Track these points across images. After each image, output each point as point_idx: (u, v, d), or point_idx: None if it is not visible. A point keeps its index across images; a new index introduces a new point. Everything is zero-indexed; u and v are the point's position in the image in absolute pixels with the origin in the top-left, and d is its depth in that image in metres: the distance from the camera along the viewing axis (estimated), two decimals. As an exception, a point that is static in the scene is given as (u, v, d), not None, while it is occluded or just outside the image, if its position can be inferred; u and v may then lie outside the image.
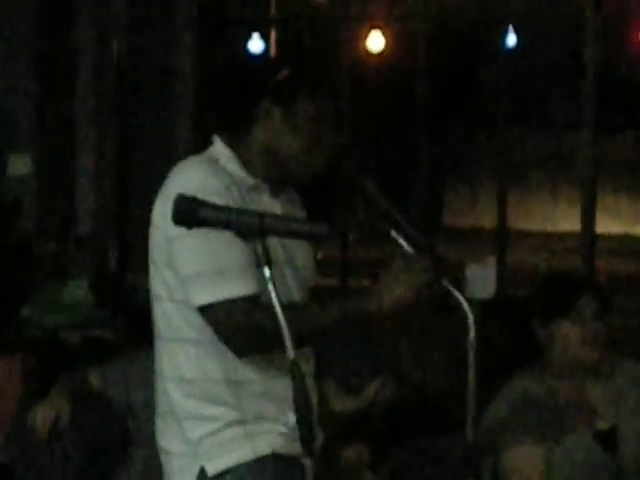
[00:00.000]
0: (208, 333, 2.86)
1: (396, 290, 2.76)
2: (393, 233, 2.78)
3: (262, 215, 2.45)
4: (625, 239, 8.45)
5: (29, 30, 7.18)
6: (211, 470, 2.89)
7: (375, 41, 7.24)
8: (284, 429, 2.92)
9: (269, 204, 2.94)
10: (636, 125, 9.51)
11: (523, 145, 8.10)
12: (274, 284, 2.35)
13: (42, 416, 4.32)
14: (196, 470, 2.92)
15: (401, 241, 2.78)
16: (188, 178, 2.88)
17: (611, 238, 8.13)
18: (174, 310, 2.93)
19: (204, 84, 7.00)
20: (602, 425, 3.81)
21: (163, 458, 3.07)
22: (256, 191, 2.93)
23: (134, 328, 4.95)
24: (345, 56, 6.65)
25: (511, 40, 7.02)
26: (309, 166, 2.93)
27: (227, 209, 2.55)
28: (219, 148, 2.97)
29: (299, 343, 2.58)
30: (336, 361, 4.21)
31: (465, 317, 2.68)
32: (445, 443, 4.28)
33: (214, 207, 2.47)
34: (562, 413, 3.78)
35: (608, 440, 3.83)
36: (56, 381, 4.42)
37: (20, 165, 7.11)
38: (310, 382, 2.91)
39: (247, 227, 2.42)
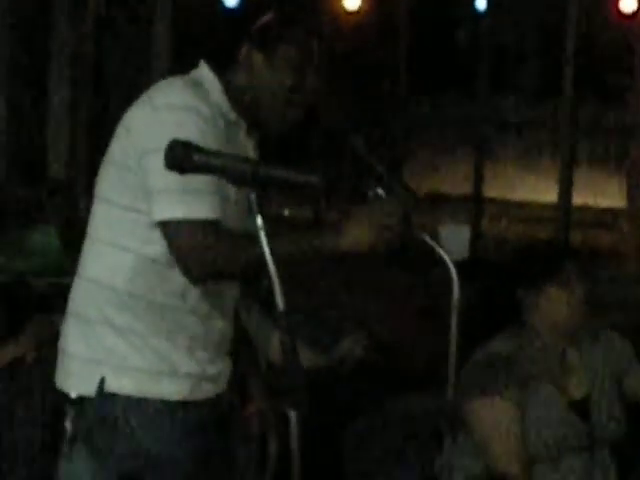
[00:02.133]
0: (151, 249, 2.73)
1: (360, 229, 2.60)
2: (380, 191, 2.61)
3: (257, 163, 2.33)
4: (589, 210, 8.54)
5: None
6: (112, 385, 2.77)
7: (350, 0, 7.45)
8: (196, 368, 2.79)
9: (245, 142, 2.83)
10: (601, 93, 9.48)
11: (496, 111, 8.22)
12: (265, 233, 2.19)
13: (6, 357, 4.17)
14: (96, 379, 2.79)
15: (390, 201, 2.56)
16: (179, 95, 2.72)
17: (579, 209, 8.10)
18: (122, 216, 2.76)
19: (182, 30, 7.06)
20: (575, 393, 3.69)
21: (63, 360, 2.89)
22: (235, 126, 2.82)
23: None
24: (322, 14, 6.70)
25: (481, 4, 6.92)
26: (289, 111, 2.80)
27: (222, 155, 2.38)
28: (205, 73, 2.84)
29: (253, 273, 2.67)
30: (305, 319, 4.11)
31: (448, 272, 2.74)
32: (414, 403, 4.11)
33: (209, 153, 2.31)
34: (538, 378, 3.62)
35: (581, 408, 3.71)
36: (24, 325, 4.27)
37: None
38: (235, 306, 2.89)
39: (241, 175, 2.24)
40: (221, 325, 2.87)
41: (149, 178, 2.63)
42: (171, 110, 2.67)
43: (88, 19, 7.90)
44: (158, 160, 2.52)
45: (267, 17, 2.72)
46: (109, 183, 2.74)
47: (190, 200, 2.65)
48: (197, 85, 2.74)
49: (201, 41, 6.51)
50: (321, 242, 2.64)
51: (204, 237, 2.68)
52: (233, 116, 2.76)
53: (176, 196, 2.64)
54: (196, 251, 2.69)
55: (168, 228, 2.66)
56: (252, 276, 2.86)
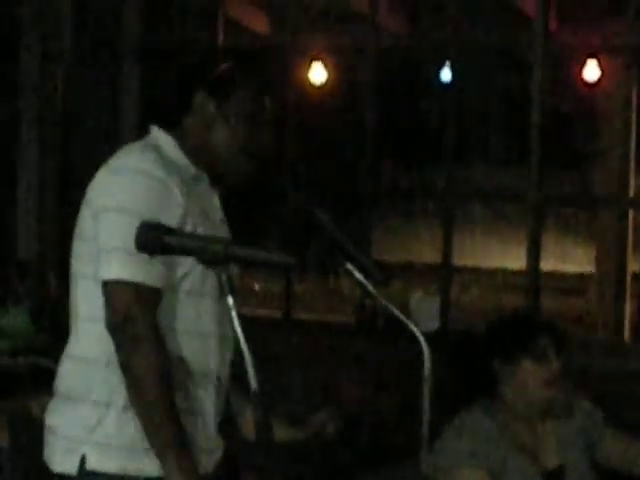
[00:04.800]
0: None
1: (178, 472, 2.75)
2: (349, 266, 2.80)
3: (227, 243, 2.40)
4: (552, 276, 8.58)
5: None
6: (93, 464, 2.86)
7: (316, 73, 7.05)
8: (196, 443, 2.86)
9: (208, 195, 2.94)
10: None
11: (464, 180, 8.27)
12: (237, 313, 2.29)
13: None
14: (78, 457, 2.88)
15: (356, 274, 2.82)
16: (133, 159, 2.82)
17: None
18: (96, 288, 2.83)
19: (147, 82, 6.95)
20: (549, 463, 3.79)
21: (48, 436, 2.99)
22: (198, 180, 2.89)
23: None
24: (288, 90, 6.51)
25: (446, 75, 6.87)
26: (243, 162, 2.91)
27: (192, 236, 2.58)
28: (158, 134, 2.91)
29: (145, 402, 2.77)
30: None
31: (420, 346, 2.70)
32: (386, 476, 4.13)
33: (179, 234, 2.47)
34: (511, 450, 3.75)
35: (555, 479, 3.73)
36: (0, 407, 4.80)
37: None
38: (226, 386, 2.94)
39: (212, 255, 2.38)
40: (209, 402, 2.93)
41: (99, 237, 2.72)
42: (124, 172, 2.76)
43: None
44: (108, 219, 2.68)
45: (223, 67, 2.84)
46: (80, 257, 2.82)
47: (130, 261, 2.72)
48: (153, 148, 2.83)
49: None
50: (168, 453, 2.74)
51: (132, 302, 2.75)
52: (193, 170, 2.82)
53: (119, 256, 2.71)
54: (119, 314, 2.76)
55: (105, 288, 2.73)
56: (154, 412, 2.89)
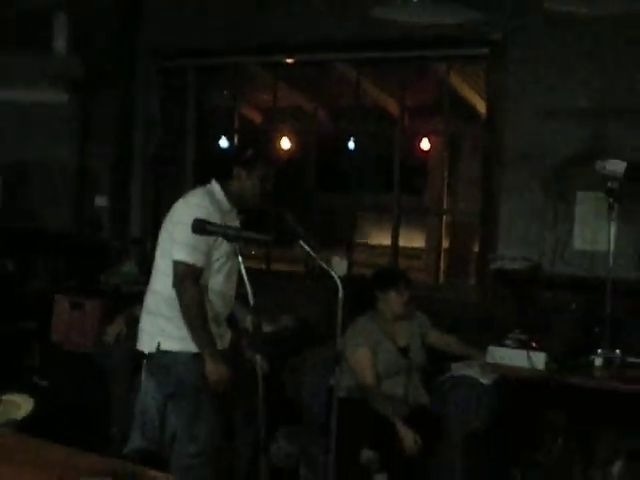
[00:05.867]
0: None
1: (214, 366, 3.95)
2: (301, 242, 3.67)
3: (237, 229, 3.65)
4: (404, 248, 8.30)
5: None
6: (164, 346, 4.00)
7: (285, 143, 9.07)
8: (215, 331, 4.06)
9: (234, 219, 4.12)
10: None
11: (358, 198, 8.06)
12: (241, 265, 3.36)
13: (111, 331, 6.03)
14: (156, 343, 4.04)
15: (305, 246, 3.67)
16: (198, 198, 4.01)
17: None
18: (169, 260, 3.99)
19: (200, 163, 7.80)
20: (401, 343, 5.30)
21: (140, 334, 4.14)
22: (230, 212, 4.11)
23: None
24: (270, 152, 7.41)
25: (351, 145, 8.42)
26: (258, 201, 4.12)
27: (219, 225, 3.63)
28: (215, 186, 4.10)
29: (192, 325, 3.92)
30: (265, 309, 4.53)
31: (335, 283, 3.48)
32: (320, 350, 5.65)
33: (212, 224, 3.58)
34: (382, 337, 5.26)
35: (404, 351, 5.32)
36: (118, 313, 6.13)
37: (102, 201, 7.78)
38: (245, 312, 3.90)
39: (229, 235, 3.56)
40: (227, 307, 4.15)
41: (174, 234, 3.91)
42: (192, 205, 3.98)
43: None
44: (179, 227, 3.86)
45: (249, 154, 4.14)
46: (163, 240, 4.04)
47: (189, 252, 3.89)
48: (210, 192, 4.05)
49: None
50: (206, 350, 3.87)
51: (184, 274, 3.84)
52: (228, 206, 4.03)
53: (182, 247, 3.89)
54: (180, 281, 3.90)
55: (174, 264, 3.90)
56: (195, 330, 3.99)
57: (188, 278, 3.84)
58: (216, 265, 3.98)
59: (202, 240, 3.77)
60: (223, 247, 3.93)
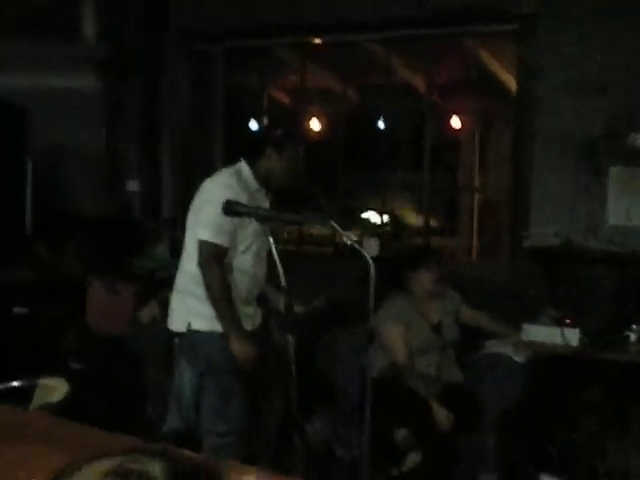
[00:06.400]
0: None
1: (240, 345, 3.89)
2: (332, 222, 3.55)
3: (268, 210, 3.68)
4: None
5: None
6: (194, 326, 4.00)
7: (314, 124, 8.68)
8: (244, 311, 4.01)
9: (263, 199, 4.09)
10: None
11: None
12: (271, 243, 3.38)
13: (145, 314, 6.13)
14: (187, 323, 4.02)
15: (337, 227, 3.53)
16: (226, 178, 3.96)
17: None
18: (196, 240, 3.95)
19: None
20: (434, 321, 5.24)
21: (171, 313, 4.12)
22: (258, 192, 4.06)
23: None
24: (300, 133, 7.13)
25: (381, 124, 8.03)
26: (287, 181, 4.09)
27: (249, 207, 3.63)
28: (243, 165, 4.04)
29: (216, 305, 3.85)
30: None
31: (367, 263, 3.34)
32: (353, 330, 5.64)
33: (242, 205, 3.56)
34: (414, 314, 5.19)
35: (437, 328, 5.26)
36: (152, 297, 6.19)
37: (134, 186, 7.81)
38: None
39: (260, 216, 3.63)
40: (257, 287, 4.09)
41: (200, 214, 3.82)
42: (217, 184, 3.95)
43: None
44: (208, 208, 3.75)
45: (278, 133, 4.11)
46: (193, 221, 3.98)
47: (213, 232, 3.85)
48: (237, 172, 4.01)
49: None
50: (230, 330, 3.78)
51: (209, 254, 3.79)
52: (256, 186, 3.99)
53: (206, 227, 3.84)
54: (205, 261, 3.85)
55: (199, 243, 3.85)
56: (219, 310, 3.95)
57: (213, 258, 3.83)
58: (243, 245, 3.96)
59: (227, 220, 3.75)
60: (250, 227, 3.92)
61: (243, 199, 3.76)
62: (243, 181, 3.97)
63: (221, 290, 3.80)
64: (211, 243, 3.84)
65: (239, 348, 3.83)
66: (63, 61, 7.10)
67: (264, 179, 4.08)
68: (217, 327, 3.93)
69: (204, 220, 3.85)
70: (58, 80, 7.20)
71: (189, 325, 3.97)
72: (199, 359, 3.96)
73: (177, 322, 4.07)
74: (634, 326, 5.07)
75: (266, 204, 4.10)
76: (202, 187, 4.00)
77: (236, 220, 3.78)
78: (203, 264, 3.83)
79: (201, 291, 3.88)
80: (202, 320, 3.95)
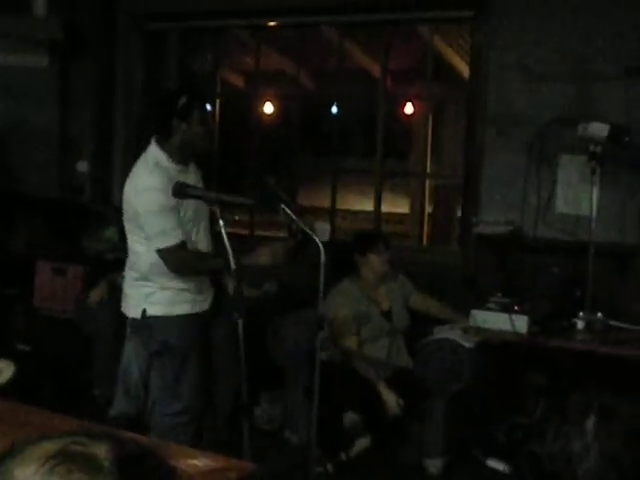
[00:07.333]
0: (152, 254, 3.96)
1: (265, 256, 3.90)
2: (283, 206, 3.69)
3: (218, 192, 3.50)
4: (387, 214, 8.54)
5: None
6: (149, 312, 4.07)
7: (267, 108, 8.56)
8: (198, 298, 4.12)
9: (183, 176, 4.00)
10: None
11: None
12: (225, 231, 3.28)
13: (94, 295, 6.12)
14: (141, 309, 4.10)
15: (287, 210, 3.69)
16: (147, 186, 3.92)
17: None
18: (140, 240, 4.07)
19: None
20: (384, 307, 5.39)
21: (125, 298, 4.17)
22: (181, 171, 4.06)
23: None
24: (253, 116, 7.62)
25: (334, 109, 7.81)
26: (203, 145, 4.06)
27: (198, 189, 3.73)
28: (157, 152, 3.99)
29: (197, 272, 3.94)
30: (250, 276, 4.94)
31: (318, 249, 3.50)
32: (303, 315, 5.58)
33: (192, 187, 3.65)
34: (364, 300, 5.34)
35: (387, 315, 5.42)
36: (101, 278, 6.22)
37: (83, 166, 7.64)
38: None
39: (210, 198, 3.59)
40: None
41: (144, 227, 3.91)
42: (142, 192, 3.93)
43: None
44: (147, 218, 3.82)
45: (181, 101, 3.88)
46: (131, 230, 4.09)
47: (163, 237, 3.90)
48: (155, 164, 3.91)
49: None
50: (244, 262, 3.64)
51: (175, 255, 3.86)
52: (178, 167, 3.99)
53: (158, 235, 3.89)
54: (173, 263, 3.91)
55: (159, 253, 3.91)
56: (206, 271, 4.08)
57: (175, 255, 3.93)
58: (186, 228, 4.02)
59: (168, 217, 3.81)
60: (189, 212, 3.98)
61: (169, 193, 3.80)
62: (162, 170, 3.94)
63: (193, 261, 3.98)
64: (171, 247, 3.90)
65: (252, 262, 3.89)
66: (13, 38, 6.97)
67: (178, 153, 4.05)
68: (173, 311, 4.02)
69: (152, 231, 3.89)
70: (8, 58, 7.08)
71: (144, 311, 4.04)
72: (153, 339, 4.01)
73: (131, 308, 4.13)
74: (581, 314, 5.15)
75: (198, 179, 4.18)
76: (132, 188, 3.99)
77: (174, 209, 3.85)
78: (174, 268, 3.96)
79: (157, 280, 3.97)
80: (157, 306, 4.03)
